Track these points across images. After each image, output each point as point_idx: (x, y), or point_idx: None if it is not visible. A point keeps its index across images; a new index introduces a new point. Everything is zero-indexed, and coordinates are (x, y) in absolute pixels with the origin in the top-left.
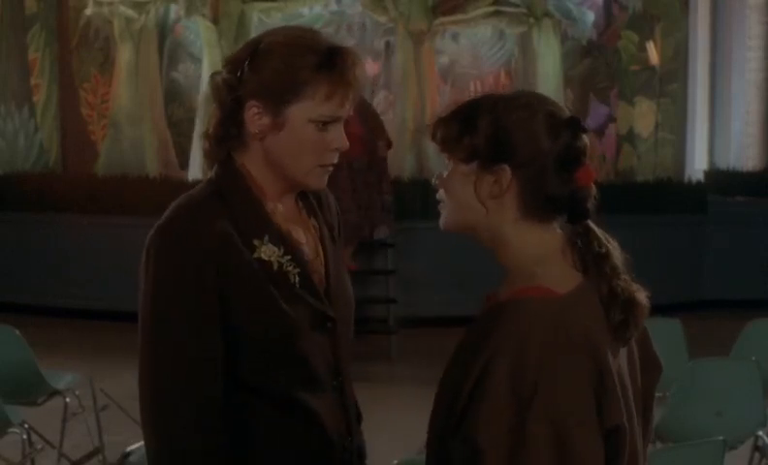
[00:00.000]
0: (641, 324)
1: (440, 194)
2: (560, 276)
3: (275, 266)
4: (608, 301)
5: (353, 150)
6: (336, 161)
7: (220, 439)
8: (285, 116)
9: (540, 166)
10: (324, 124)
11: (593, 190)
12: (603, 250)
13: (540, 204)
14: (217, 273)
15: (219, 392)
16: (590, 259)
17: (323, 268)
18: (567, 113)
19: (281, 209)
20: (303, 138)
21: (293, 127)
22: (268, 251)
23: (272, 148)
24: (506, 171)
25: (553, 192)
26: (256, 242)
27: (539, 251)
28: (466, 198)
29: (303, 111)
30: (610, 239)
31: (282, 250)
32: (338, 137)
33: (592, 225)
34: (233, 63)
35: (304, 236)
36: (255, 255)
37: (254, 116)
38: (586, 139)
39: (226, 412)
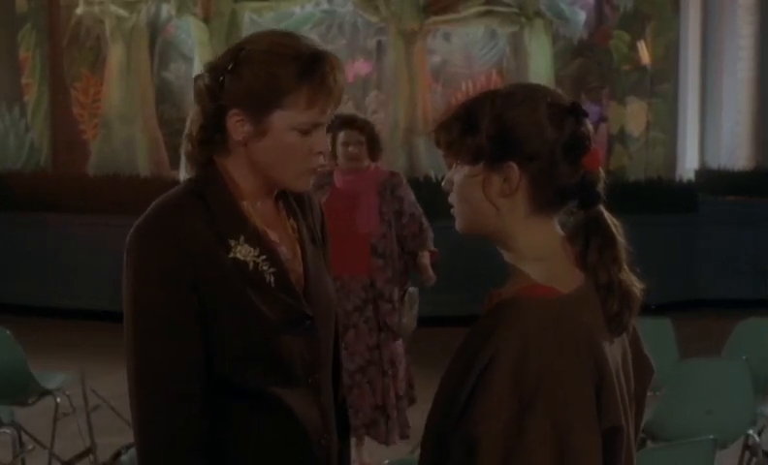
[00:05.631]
0: (634, 316)
1: (451, 198)
2: (563, 274)
3: (251, 266)
4: (606, 291)
5: None
6: (321, 163)
7: (201, 435)
8: (267, 124)
9: (548, 157)
10: (307, 130)
11: (602, 174)
12: (610, 238)
13: (551, 197)
14: (194, 272)
15: (200, 390)
16: (594, 246)
17: (301, 268)
18: (567, 101)
19: (259, 209)
20: (286, 144)
21: (275, 134)
22: (244, 251)
23: (257, 154)
24: (514, 168)
25: (563, 181)
26: (232, 242)
27: (544, 248)
28: (477, 199)
29: (284, 119)
30: (619, 228)
31: (258, 250)
32: (321, 141)
33: (602, 210)
34: (214, 69)
35: (280, 237)
36: (231, 255)
37: (236, 124)
38: (589, 123)
39: (204, 407)
